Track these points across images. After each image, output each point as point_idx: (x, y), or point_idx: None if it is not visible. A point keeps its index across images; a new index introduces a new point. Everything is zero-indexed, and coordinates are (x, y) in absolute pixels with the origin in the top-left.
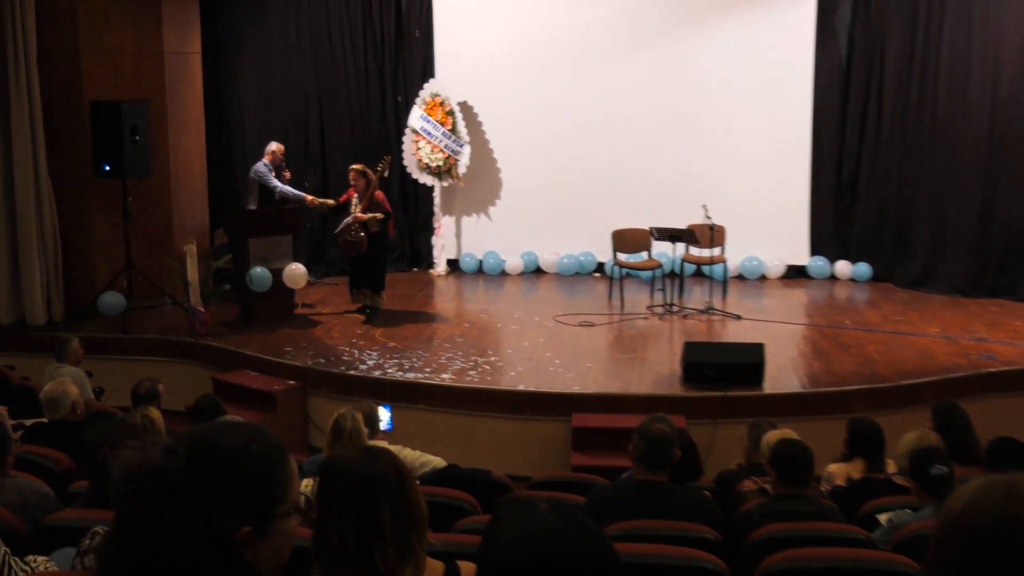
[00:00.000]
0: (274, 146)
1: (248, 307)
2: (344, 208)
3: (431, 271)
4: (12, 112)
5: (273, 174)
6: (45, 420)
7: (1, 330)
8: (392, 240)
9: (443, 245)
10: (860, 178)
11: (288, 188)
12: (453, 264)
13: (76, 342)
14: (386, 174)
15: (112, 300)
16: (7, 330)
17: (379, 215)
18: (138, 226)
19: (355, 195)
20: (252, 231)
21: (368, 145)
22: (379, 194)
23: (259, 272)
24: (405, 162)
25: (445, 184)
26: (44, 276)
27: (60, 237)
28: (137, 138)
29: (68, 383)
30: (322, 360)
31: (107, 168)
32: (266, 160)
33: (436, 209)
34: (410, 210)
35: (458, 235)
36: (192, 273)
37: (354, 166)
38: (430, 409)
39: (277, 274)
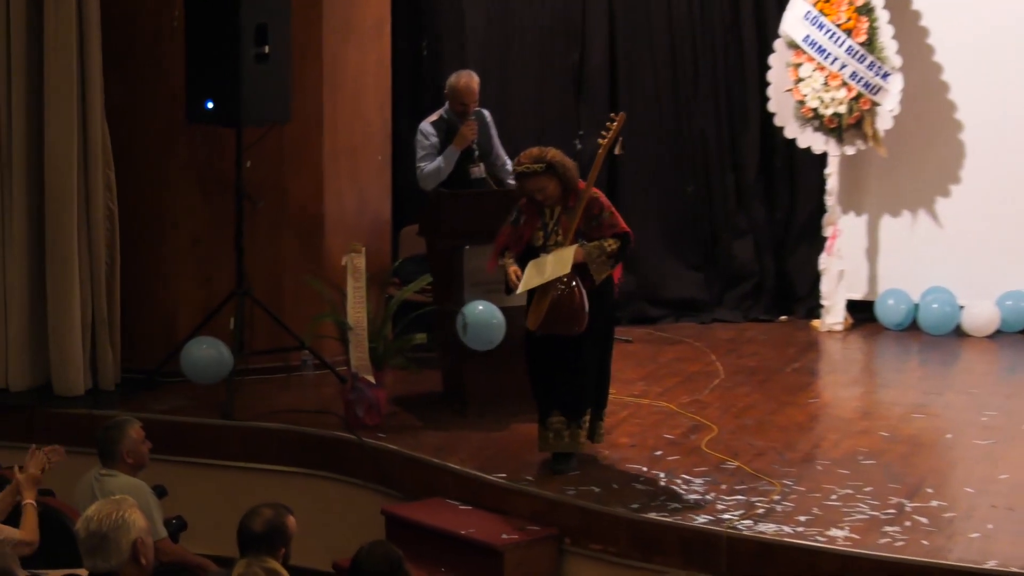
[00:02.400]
0: (454, 81)
1: (458, 378)
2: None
3: (814, 322)
4: (45, 5)
5: (434, 142)
6: (82, 573)
7: (8, 402)
8: (742, 260)
9: (842, 273)
10: None
11: (435, 162)
12: (860, 309)
13: (136, 429)
14: (619, 150)
15: (206, 355)
16: (18, 402)
17: (611, 242)
18: (262, 217)
19: (533, 214)
20: (471, 233)
21: (698, 74)
22: (596, 194)
23: (481, 312)
24: (771, 105)
25: (849, 151)
26: (89, 309)
27: (120, 236)
28: (267, 51)
29: (128, 507)
30: (595, 488)
31: (210, 106)
32: (446, 108)
33: (829, 201)
34: (777, 203)
35: (872, 255)
36: (356, 308)
37: (527, 157)
38: None
39: (516, 317)
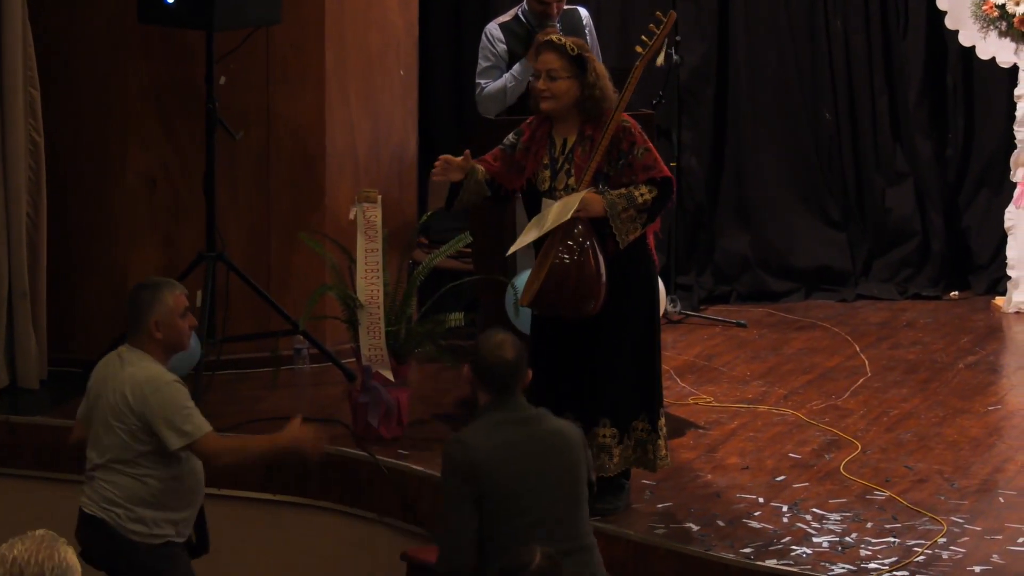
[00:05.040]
0: None
1: None
2: (499, 191)
3: (998, 300)
4: None
5: (502, 51)
6: None
7: None
8: (899, 215)
9: None
10: None
11: (500, 80)
12: None
13: (176, 296)
14: (661, 60)
15: None
16: None
17: (644, 191)
18: (242, 153)
19: (540, 139)
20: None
21: None
22: (627, 122)
23: None
24: (941, 0)
25: None
26: (4, 277)
27: (48, 178)
28: None
29: (61, 545)
30: (693, 527)
31: (170, 1)
32: (524, 7)
33: (1020, 134)
34: (948, 136)
35: None
36: (368, 279)
37: (569, 37)
38: None
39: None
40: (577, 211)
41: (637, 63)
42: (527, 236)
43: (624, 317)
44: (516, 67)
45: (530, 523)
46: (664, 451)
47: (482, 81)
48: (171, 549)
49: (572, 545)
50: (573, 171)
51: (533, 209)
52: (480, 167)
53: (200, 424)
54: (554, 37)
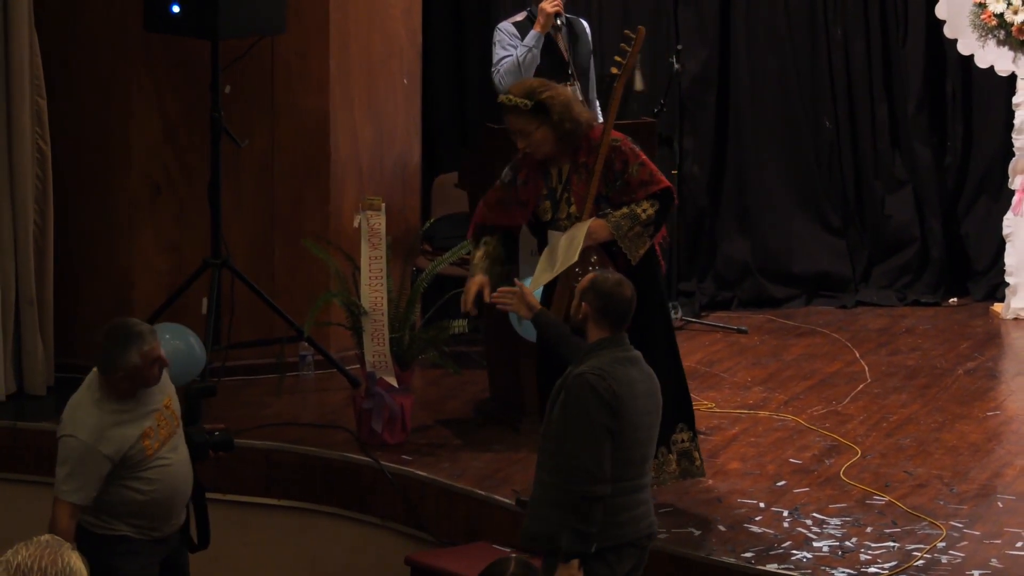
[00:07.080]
0: None
1: (511, 380)
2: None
3: (996, 307)
4: None
5: (517, 44)
6: None
7: None
8: (899, 221)
9: None
10: None
11: (513, 54)
12: None
13: (145, 352)
14: (640, 85)
15: (171, 348)
16: None
17: (646, 206)
18: (247, 161)
19: (535, 171)
20: None
21: None
22: (617, 140)
23: (542, 292)
24: (940, 9)
25: None
26: (11, 284)
27: (54, 186)
28: None
29: (67, 551)
30: (694, 531)
31: (176, 10)
32: (532, 8)
33: (1019, 142)
34: (947, 144)
35: None
36: (372, 285)
37: (518, 87)
38: None
39: None
40: (584, 242)
41: (615, 84)
42: (541, 277)
43: (644, 329)
44: (528, 37)
45: (641, 456)
46: (699, 460)
47: (499, 65)
48: (128, 544)
49: (649, 480)
50: (573, 199)
51: (539, 240)
52: (488, 250)
53: (67, 489)
54: (504, 99)
